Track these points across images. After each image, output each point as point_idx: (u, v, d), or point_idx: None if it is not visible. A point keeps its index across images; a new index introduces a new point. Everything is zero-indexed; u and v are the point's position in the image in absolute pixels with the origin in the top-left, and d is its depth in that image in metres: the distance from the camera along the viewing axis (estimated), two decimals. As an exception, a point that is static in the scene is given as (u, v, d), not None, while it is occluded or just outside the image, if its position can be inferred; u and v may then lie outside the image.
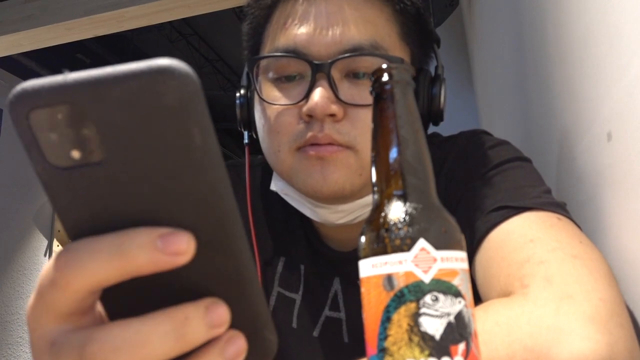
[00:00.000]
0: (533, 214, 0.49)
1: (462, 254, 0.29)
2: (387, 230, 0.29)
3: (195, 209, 0.23)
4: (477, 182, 0.56)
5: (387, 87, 0.32)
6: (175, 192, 0.23)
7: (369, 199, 0.58)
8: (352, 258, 0.65)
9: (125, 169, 0.22)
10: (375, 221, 0.30)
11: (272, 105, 0.57)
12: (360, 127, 0.54)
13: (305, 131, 0.54)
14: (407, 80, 0.33)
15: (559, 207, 0.50)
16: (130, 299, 0.24)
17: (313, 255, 0.67)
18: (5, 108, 0.22)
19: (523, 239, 0.47)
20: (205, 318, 0.24)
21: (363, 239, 0.30)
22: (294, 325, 0.66)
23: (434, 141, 0.65)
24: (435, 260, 0.28)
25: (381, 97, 0.33)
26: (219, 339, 0.25)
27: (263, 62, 0.58)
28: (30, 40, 2.59)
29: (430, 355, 0.27)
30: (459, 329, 0.27)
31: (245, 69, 0.63)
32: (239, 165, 0.71)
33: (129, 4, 2.32)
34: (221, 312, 0.24)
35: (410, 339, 0.27)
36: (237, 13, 3.64)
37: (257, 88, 0.59)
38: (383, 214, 0.30)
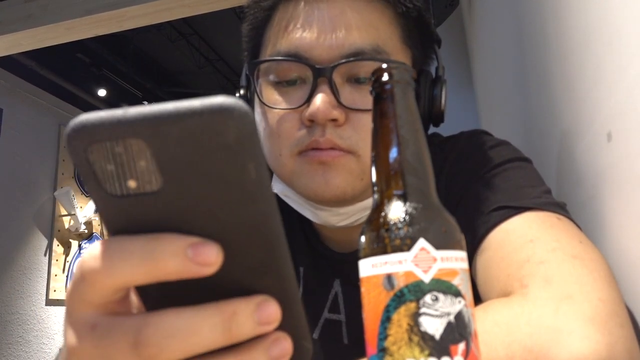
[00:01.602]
0: (533, 214, 0.49)
1: (462, 254, 0.29)
2: (387, 230, 0.29)
3: (246, 236, 0.24)
4: (477, 182, 0.56)
5: (387, 87, 0.32)
6: (227, 221, 0.24)
7: (370, 202, 0.57)
8: (352, 259, 0.65)
9: (180, 199, 0.23)
10: (375, 221, 0.30)
11: (273, 109, 0.56)
12: (361, 132, 0.54)
13: (307, 136, 0.54)
14: (407, 80, 0.33)
15: (559, 207, 0.50)
16: (168, 293, 0.25)
17: (313, 256, 0.67)
18: (64, 141, 0.23)
19: (523, 239, 0.47)
20: (255, 314, 0.25)
21: (363, 238, 0.30)
22: None
23: (434, 141, 0.64)
24: (435, 260, 0.28)
25: (381, 97, 0.33)
26: (266, 337, 0.26)
27: (264, 65, 0.58)
28: (30, 39, 2.59)
29: (430, 355, 0.27)
30: (458, 329, 0.27)
31: (245, 70, 0.63)
32: None
33: (129, 3, 2.32)
34: (271, 311, 0.25)
35: (410, 339, 0.27)
36: (237, 13, 3.63)
37: (258, 91, 0.59)
38: (383, 214, 0.30)
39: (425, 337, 0.27)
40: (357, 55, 0.54)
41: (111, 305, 0.26)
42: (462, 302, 0.28)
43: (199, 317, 0.24)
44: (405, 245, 0.28)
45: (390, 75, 0.32)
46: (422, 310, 0.27)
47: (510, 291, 0.43)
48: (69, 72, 4.14)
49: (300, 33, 0.55)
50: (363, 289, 0.29)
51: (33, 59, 3.61)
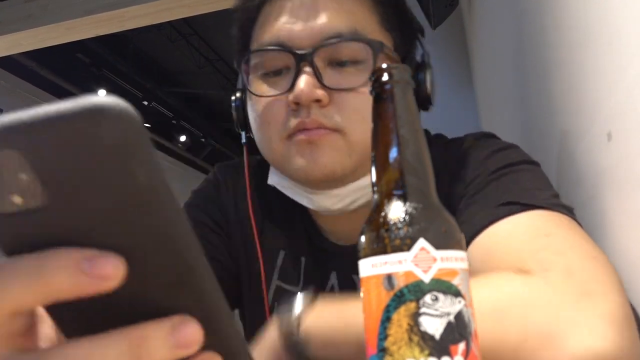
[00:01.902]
0: (545, 212, 0.48)
1: (462, 254, 0.29)
2: (387, 230, 0.29)
3: (152, 248, 0.22)
4: (483, 181, 0.55)
5: (387, 87, 0.32)
6: (125, 232, 0.22)
7: (362, 183, 0.59)
8: (348, 252, 0.65)
9: (70, 213, 0.21)
10: (375, 221, 0.30)
11: (262, 99, 0.59)
12: (346, 111, 0.56)
13: (294, 119, 0.56)
14: (407, 79, 0.33)
15: (569, 211, 0.50)
16: (86, 319, 0.23)
17: (312, 248, 0.68)
18: None
19: (537, 231, 0.46)
20: (170, 337, 0.23)
21: (363, 238, 0.30)
22: None
23: (438, 142, 0.65)
24: (435, 260, 0.28)
25: (381, 97, 0.33)
26: (192, 358, 0.24)
27: (252, 61, 0.61)
28: (30, 40, 2.59)
29: (430, 354, 0.27)
30: (458, 329, 0.27)
31: (240, 73, 0.65)
32: (238, 165, 0.73)
33: (129, 3, 2.32)
34: (189, 332, 0.24)
35: (410, 339, 0.27)
36: (237, 13, 3.63)
37: (247, 83, 0.61)
38: (383, 214, 0.30)
39: (425, 337, 0.27)
40: (336, 38, 0.56)
41: (13, 339, 0.24)
42: (462, 302, 0.28)
43: (101, 346, 0.22)
44: (405, 245, 0.28)
45: (390, 75, 0.32)
46: (422, 310, 0.27)
47: (527, 270, 0.42)
48: (69, 72, 4.14)
49: (282, 24, 0.58)
50: (363, 289, 0.29)
51: (33, 59, 3.61)
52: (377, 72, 0.33)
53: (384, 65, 0.33)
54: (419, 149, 0.32)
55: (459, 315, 0.28)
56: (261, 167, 0.70)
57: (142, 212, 0.21)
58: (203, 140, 6.17)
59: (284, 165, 0.59)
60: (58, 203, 0.21)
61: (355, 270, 0.67)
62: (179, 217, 0.22)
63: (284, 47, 0.57)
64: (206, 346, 0.24)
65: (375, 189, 0.32)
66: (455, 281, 0.28)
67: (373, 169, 0.32)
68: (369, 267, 0.29)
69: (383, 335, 0.28)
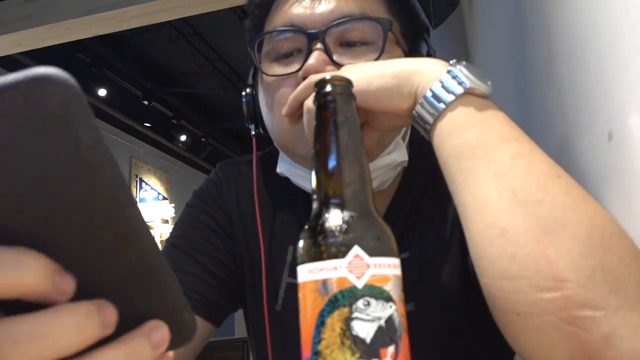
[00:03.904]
0: None
1: (395, 261, 0.30)
2: (324, 237, 0.30)
3: (91, 206, 0.23)
4: None
5: (329, 98, 0.33)
6: (68, 193, 0.23)
7: (375, 164, 0.58)
8: None
9: (17, 179, 0.22)
10: (313, 228, 0.31)
11: (273, 81, 0.59)
12: None
13: None
14: (349, 92, 0.34)
15: None
16: None
17: None
18: None
19: None
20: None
21: (301, 245, 0.31)
22: None
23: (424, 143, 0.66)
24: (368, 266, 0.29)
25: (323, 107, 0.34)
26: (144, 325, 0.27)
27: (265, 48, 0.61)
28: (30, 39, 2.59)
29: (361, 357, 0.28)
30: (389, 333, 0.28)
31: (251, 69, 0.66)
32: (240, 162, 0.73)
33: (128, 3, 2.32)
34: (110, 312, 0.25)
35: (342, 342, 0.28)
36: (237, 13, 3.63)
37: (259, 66, 0.61)
38: (320, 222, 0.31)
39: (357, 341, 0.28)
40: (347, 18, 0.57)
41: None
42: (393, 307, 0.29)
43: (48, 319, 0.23)
44: (341, 252, 0.29)
45: (332, 86, 0.33)
46: (355, 314, 0.28)
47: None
48: (69, 72, 4.14)
49: (294, 9, 0.59)
50: (300, 295, 0.30)
51: (33, 59, 3.61)
52: (319, 84, 0.34)
53: (327, 76, 0.34)
54: (358, 159, 0.33)
55: (389, 320, 0.28)
56: (266, 162, 0.70)
57: (86, 173, 0.22)
58: (203, 139, 6.17)
59: (296, 146, 0.58)
60: (5, 173, 0.22)
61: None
62: (118, 172, 0.23)
63: (295, 27, 0.58)
64: (150, 300, 0.26)
65: (315, 197, 0.33)
66: (387, 287, 0.29)
67: (313, 177, 0.33)
68: (306, 273, 0.30)
69: (317, 339, 0.29)
